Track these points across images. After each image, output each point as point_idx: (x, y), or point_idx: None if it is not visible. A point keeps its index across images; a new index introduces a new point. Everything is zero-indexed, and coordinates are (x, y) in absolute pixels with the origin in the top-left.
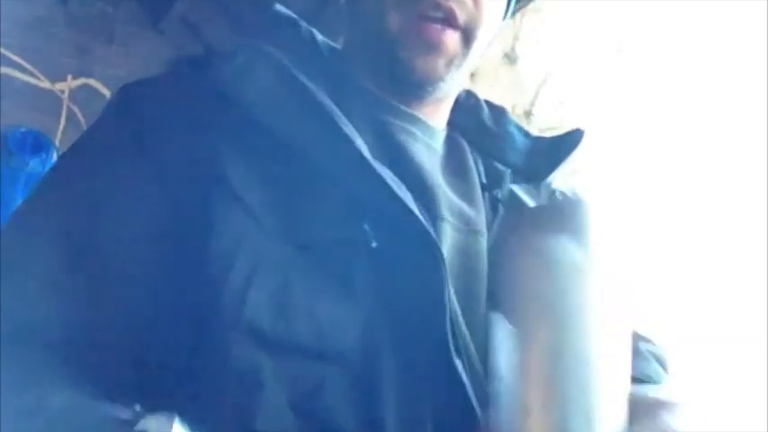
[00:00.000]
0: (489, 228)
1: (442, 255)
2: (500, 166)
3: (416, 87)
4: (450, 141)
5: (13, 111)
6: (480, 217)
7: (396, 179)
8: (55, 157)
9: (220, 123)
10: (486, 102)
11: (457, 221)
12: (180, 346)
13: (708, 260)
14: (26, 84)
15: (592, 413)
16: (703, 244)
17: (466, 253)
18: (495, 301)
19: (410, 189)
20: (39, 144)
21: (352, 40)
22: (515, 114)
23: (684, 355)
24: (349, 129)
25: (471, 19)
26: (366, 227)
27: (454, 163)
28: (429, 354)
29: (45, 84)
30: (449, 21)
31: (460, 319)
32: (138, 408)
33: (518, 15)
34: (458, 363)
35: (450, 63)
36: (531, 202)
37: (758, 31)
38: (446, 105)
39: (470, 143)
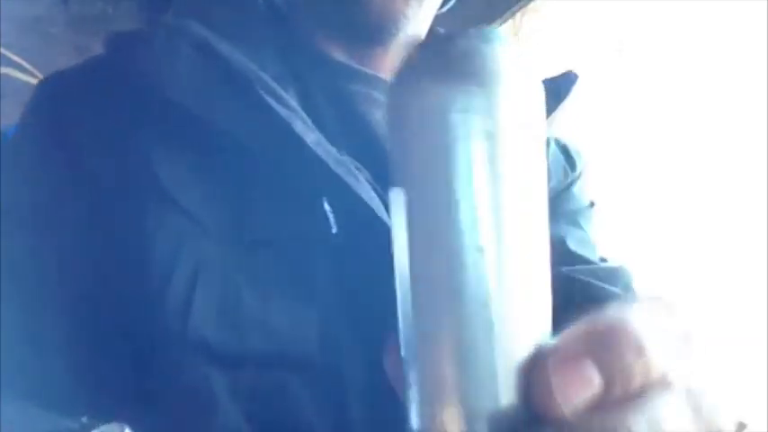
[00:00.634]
0: None
1: None
2: None
3: (377, 30)
4: None
5: (13, 111)
6: None
7: (344, 162)
8: None
9: (148, 117)
10: None
11: None
12: (125, 363)
13: (708, 260)
14: (26, 84)
15: (494, 318)
16: (703, 244)
17: None
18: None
19: (372, 164)
20: None
21: None
22: None
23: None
24: (286, 112)
25: None
26: (324, 216)
27: None
28: None
29: None
30: None
31: None
32: (84, 419)
33: (518, 15)
34: None
35: None
36: None
37: (758, 31)
38: None
39: None
